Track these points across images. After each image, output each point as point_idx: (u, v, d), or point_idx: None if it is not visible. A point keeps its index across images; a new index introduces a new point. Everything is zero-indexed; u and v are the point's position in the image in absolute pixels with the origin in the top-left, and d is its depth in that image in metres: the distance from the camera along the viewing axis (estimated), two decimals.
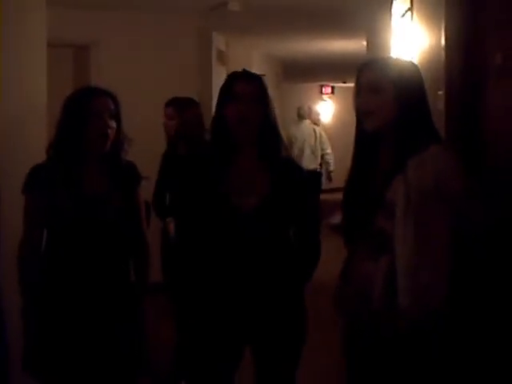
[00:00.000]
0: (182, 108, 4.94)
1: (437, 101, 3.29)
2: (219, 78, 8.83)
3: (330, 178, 11.61)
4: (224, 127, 2.80)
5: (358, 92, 2.59)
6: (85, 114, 2.90)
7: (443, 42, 3.32)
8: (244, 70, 2.91)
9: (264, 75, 9.63)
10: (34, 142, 3.36)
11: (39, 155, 3.07)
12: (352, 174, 2.70)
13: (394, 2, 4.60)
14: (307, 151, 11.35)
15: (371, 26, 7.76)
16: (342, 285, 2.66)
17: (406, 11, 4.40)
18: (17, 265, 2.93)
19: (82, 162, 2.96)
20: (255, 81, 2.84)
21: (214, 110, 8.43)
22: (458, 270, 2.41)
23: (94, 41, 7.33)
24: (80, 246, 2.92)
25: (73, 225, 2.91)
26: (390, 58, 2.84)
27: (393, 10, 4.60)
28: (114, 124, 2.96)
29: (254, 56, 11.14)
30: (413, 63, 2.76)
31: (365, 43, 9.14)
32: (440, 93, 3.34)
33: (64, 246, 2.94)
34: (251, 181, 2.81)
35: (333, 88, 18.56)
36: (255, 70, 9.99)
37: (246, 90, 2.78)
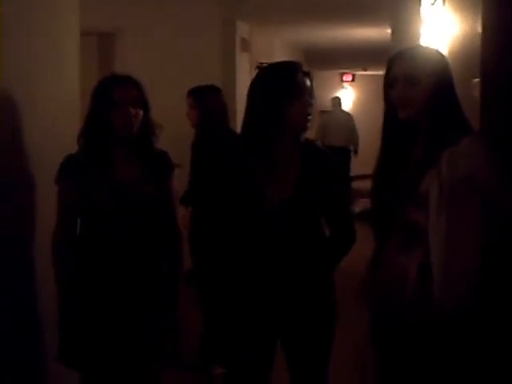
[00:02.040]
0: (201, 97, 4.90)
1: (471, 88, 3.26)
2: (242, 65, 8.83)
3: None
4: (278, 121, 2.78)
5: (393, 83, 2.57)
6: (108, 102, 2.92)
7: (479, 28, 3.28)
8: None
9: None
10: (69, 133, 3.36)
11: (74, 145, 3.08)
12: (381, 164, 2.68)
13: None
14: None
15: (397, 13, 7.72)
16: (372, 276, 2.66)
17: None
18: (51, 255, 2.94)
19: (112, 150, 2.97)
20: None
21: (238, 96, 8.39)
22: (489, 260, 2.39)
23: (119, 28, 7.31)
24: (113, 233, 2.93)
25: (107, 211, 2.92)
26: (422, 47, 2.82)
27: None
28: (138, 111, 2.96)
29: (276, 44, 11.14)
30: (441, 53, 2.73)
31: (389, 31, 9.09)
32: (476, 80, 3.30)
33: (98, 233, 2.95)
34: (283, 171, 2.80)
35: (353, 75, 18.51)
36: (277, 58, 10.07)
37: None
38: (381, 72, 12.26)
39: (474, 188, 2.34)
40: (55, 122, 3.40)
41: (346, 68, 17.75)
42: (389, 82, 2.58)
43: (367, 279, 2.68)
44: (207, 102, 4.89)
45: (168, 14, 7.57)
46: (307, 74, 2.85)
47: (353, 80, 18.70)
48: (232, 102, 7.26)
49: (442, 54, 2.65)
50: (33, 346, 3.17)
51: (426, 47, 2.87)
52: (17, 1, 3.08)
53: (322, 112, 13.68)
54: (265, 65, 10.09)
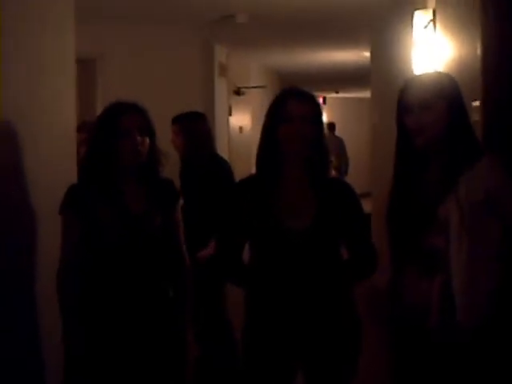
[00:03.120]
0: (186, 123, 4.88)
1: (471, 112, 3.27)
2: (220, 90, 8.84)
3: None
4: (273, 147, 2.75)
5: (407, 110, 2.57)
6: (114, 132, 2.87)
7: (477, 52, 3.30)
8: (293, 87, 2.84)
9: (265, 86, 9.67)
10: (66, 162, 3.31)
11: (70, 175, 3.03)
12: (395, 191, 2.68)
13: (414, 13, 4.58)
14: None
15: (378, 36, 7.76)
16: (393, 303, 2.64)
17: (429, 22, 4.38)
18: (57, 288, 2.87)
19: (118, 180, 2.92)
20: (307, 99, 2.78)
21: (216, 121, 8.41)
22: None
23: (99, 54, 7.30)
24: (119, 265, 2.88)
25: (116, 241, 2.86)
26: (431, 72, 2.84)
27: (414, 21, 4.58)
28: (145, 139, 2.91)
29: (253, 67, 11.16)
30: (450, 75, 2.74)
31: (366, 54, 9.14)
32: (476, 103, 3.31)
33: (105, 264, 2.89)
34: (301, 202, 2.77)
35: (324, 98, 18.60)
36: (253, 82, 10.06)
37: (299, 110, 2.72)
38: (353, 94, 12.40)
39: (494, 210, 2.35)
40: (53, 153, 3.34)
41: (319, 90, 17.86)
42: (403, 110, 2.58)
43: (389, 305, 2.66)
44: (192, 128, 4.87)
45: (148, 41, 7.57)
46: (304, 100, 2.77)
47: (324, 103, 18.80)
48: (211, 127, 7.26)
49: (451, 77, 2.66)
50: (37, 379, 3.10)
51: (435, 72, 2.88)
52: (15, 31, 3.05)
53: None
54: (242, 89, 10.07)
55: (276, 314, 2.77)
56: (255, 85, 10.95)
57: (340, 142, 14.48)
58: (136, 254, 2.89)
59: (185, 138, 4.81)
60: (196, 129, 4.90)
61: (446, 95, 2.52)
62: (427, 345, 2.47)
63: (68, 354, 2.89)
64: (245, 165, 9.92)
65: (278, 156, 2.76)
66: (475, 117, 3.30)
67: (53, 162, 3.32)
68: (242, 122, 10.68)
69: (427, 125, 2.50)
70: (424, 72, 3.02)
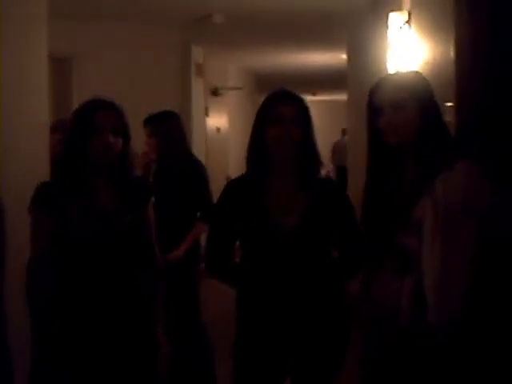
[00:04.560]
0: (158, 124, 4.79)
1: (445, 113, 3.28)
2: (197, 90, 8.83)
3: None
4: (262, 149, 2.77)
5: (378, 110, 2.57)
6: (87, 129, 2.83)
7: (450, 52, 3.31)
8: (283, 90, 2.83)
9: (241, 88, 9.69)
10: (37, 159, 3.28)
11: (42, 172, 3.00)
12: (369, 191, 2.68)
13: (390, 15, 4.60)
14: None
15: (355, 39, 7.79)
16: (366, 304, 2.64)
17: (404, 24, 4.40)
18: (26, 284, 2.84)
19: (90, 177, 2.90)
20: (296, 102, 2.78)
21: (193, 122, 8.42)
22: (484, 282, 2.40)
23: (75, 53, 7.27)
24: (90, 261, 2.85)
25: (85, 240, 2.84)
26: (402, 72, 2.85)
27: (389, 22, 4.60)
28: (118, 139, 2.88)
29: (230, 68, 11.16)
30: (423, 75, 2.75)
31: (343, 56, 9.17)
32: (448, 104, 3.32)
33: (75, 261, 2.86)
34: (291, 201, 2.78)
35: None
36: (230, 83, 10.07)
37: (288, 112, 2.73)
38: (330, 97, 12.43)
39: (469, 213, 2.35)
40: (23, 152, 3.31)
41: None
42: (374, 111, 2.58)
43: (360, 304, 2.67)
44: (164, 128, 4.80)
45: (124, 40, 7.56)
46: (293, 103, 2.77)
47: None
48: (188, 127, 7.25)
49: (423, 77, 2.67)
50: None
51: (406, 72, 2.89)
52: None
53: None
54: (219, 90, 10.05)
55: (265, 312, 2.77)
56: (232, 86, 10.95)
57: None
58: (106, 250, 2.86)
59: (158, 139, 4.76)
60: (168, 128, 4.83)
61: (418, 94, 2.52)
62: (398, 344, 2.48)
63: (38, 349, 2.85)
64: (222, 165, 9.92)
65: (267, 157, 2.78)
66: (448, 118, 3.31)
67: (24, 158, 3.29)
68: (218, 122, 10.67)
69: (399, 125, 2.50)
70: (395, 72, 3.03)
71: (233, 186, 2.92)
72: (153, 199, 3.18)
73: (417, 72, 2.88)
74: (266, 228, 2.75)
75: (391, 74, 2.85)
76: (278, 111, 2.73)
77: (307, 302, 2.76)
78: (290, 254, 2.74)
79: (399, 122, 2.50)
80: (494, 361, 2.44)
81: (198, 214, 4.70)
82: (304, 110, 2.78)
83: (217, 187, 3.83)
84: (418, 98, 2.52)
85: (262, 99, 2.88)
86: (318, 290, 2.78)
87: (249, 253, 2.84)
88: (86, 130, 2.83)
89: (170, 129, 4.80)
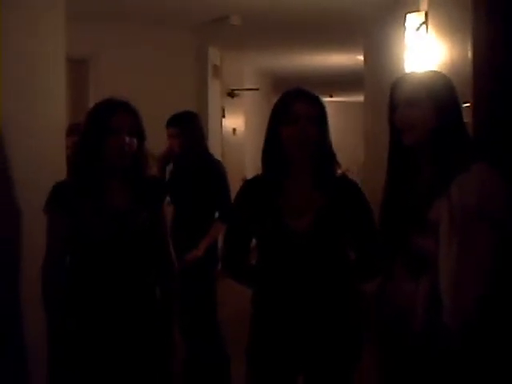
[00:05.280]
0: (184, 125, 4.83)
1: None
2: (214, 92, 8.83)
3: None
4: (278, 148, 2.75)
5: (395, 107, 2.57)
6: (103, 130, 2.84)
7: (467, 54, 3.30)
8: (298, 88, 2.80)
9: (257, 89, 9.67)
10: (55, 160, 3.29)
11: (59, 175, 3.01)
12: (388, 190, 2.67)
13: (407, 16, 4.58)
14: None
15: (371, 40, 7.76)
16: (381, 306, 2.63)
17: (421, 25, 4.39)
18: (42, 284, 2.85)
19: (105, 178, 2.90)
20: (312, 100, 2.75)
21: (209, 123, 8.39)
22: (501, 286, 2.38)
23: (92, 54, 7.30)
24: (105, 261, 2.87)
25: (100, 239, 2.85)
26: (422, 71, 2.82)
27: (406, 24, 4.59)
28: (133, 140, 2.89)
29: (246, 70, 11.16)
30: (444, 75, 2.74)
31: (360, 57, 9.14)
32: (466, 105, 3.31)
33: (90, 261, 2.87)
34: (306, 201, 2.76)
35: None
36: (246, 85, 10.07)
37: (304, 111, 2.70)
38: (347, 98, 12.34)
39: (485, 216, 2.33)
40: (42, 153, 3.33)
41: None
42: (391, 107, 2.58)
43: (376, 306, 2.65)
44: (190, 129, 4.85)
45: (141, 41, 7.58)
46: (309, 101, 2.74)
47: None
48: (205, 128, 7.24)
49: (443, 76, 2.64)
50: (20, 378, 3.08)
51: (426, 71, 2.87)
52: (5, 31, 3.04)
53: None
54: (235, 91, 10.05)
55: (280, 313, 2.76)
56: (248, 87, 10.94)
57: None
58: (121, 249, 2.87)
59: (183, 139, 4.79)
60: (194, 129, 4.88)
61: (434, 93, 2.50)
62: (413, 347, 2.46)
63: (53, 349, 2.87)
64: (238, 166, 9.92)
65: (283, 156, 2.75)
66: (466, 118, 3.29)
67: (41, 161, 3.31)
68: (235, 124, 10.67)
69: (413, 122, 2.49)
70: (414, 71, 3.01)
71: (248, 186, 2.91)
72: (168, 199, 3.18)
73: (437, 71, 2.86)
74: (280, 230, 2.73)
75: (410, 73, 2.83)
76: (294, 109, 2.70)
77: (321, 303, 2.74)
78: (304, 257, 2.71)
79: (412, 119, 2.49)
80: (510, 364, 2.43)
81: (217, 213, 4.71)
82: (320, 108, 2.75)
83: (233, 188, 3.83)
84: (435, 96, 2.50)
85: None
86: (331, 291, 2.75)
87: (264, 254, 2.82)
88: (101, 132, 2.84)
89: (195, 129, 4.85)
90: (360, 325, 2.85)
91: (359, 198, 2.85)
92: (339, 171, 2.86)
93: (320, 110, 2.75)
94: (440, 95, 2.51)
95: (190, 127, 4.84)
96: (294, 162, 2.77)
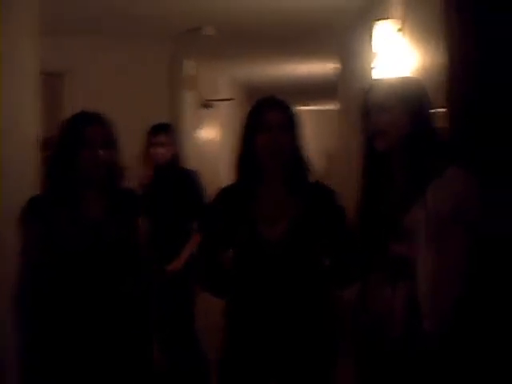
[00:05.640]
0: (172, 134, 4.87)
1: (436, 119, 3.28)
2: (188, 103, 8.83)
3: None
4: (251, 156, 2.75)
5: (367, 113, 2.58)
6: (77, 142, 2.84)
7: (442, 59, 3.32)
8: (271, 96, 2.82)
9: (232, 99, 9.66)
10: (28, 174, 3.26)
11: (32, 186, 2.99)
12: (363, 197, 2.68)
13: (377, 23, 4.61)
14: None
15: (345, 48, 7.79)
16: (357, 314, 2.63)
17: (395, 32, 4.41)
18: (14, 299, 2.82)
19: (80, 188, 2.89)
20: (284, 108, 2.77)
21: (184, 134, 8.35)
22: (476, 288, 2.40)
23: (66, 68, 7.27)
24: (80, 272, 2.84)
25: (73, 250, 2.83)
26: (396, 77, 2.84)
27: (378, 31, 4.61)
28: (107, 151, 2.89)
29: (221, 80, 11.16)
30: (417, 80, 2.75)
31: (333, 66, 9.18)
32: (440, 110, 3.33)
33: (64, 272, 2.84)
34: (280, 208, 2.76)
35: None
36: (222, 95, 10.03)
37: (277, 119, 2.71)
38: (322, 107, 12.35)
39: (461, 219, 2.35)
40: (15, 166, 3.30)
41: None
42: (364, 113, 2.59)
43: (353, 315, 2.65)
44: (176, 138, 4.89)
45: (116, 53, 7.57)
46: (280, 109, 2.76)
47: None
48: (180, 139, 7.24)
49: (416, 81, 2.67)
50: None
51: (400, 76, 2.89)
52: None
53: None
54: (210, 102, 10.00)
55: (253, 323, 2.75)
56: (223, 98, 10.94)
57: None
58: (96, 260, 2.85)
59: (172, 149, 4.80)
60: (176, 139, 4.93)
61: (406, 99, 2.50)
62: (392, 353, 2.47)
63: (28, 358, 2.83)
64: (214, 177, 9.89)
65: (257, 165, 2.76)
66: (441, 124, 3.31)
67: (15, 174, 3.28)
68: (210, 134, 10.67)
69: (385, 127, 2.50)
70: (388, 77, 3.03)
71: (222, 195, 2.90)
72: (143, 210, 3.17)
73: (409, 77, 2.88)
74: (254, 239, 2.73)
75: (383, 79, 2.84)
76: (266, 118, 2.71)
77: (295, 311, 2.72)
78: (278, 265, 2.71)
79: (385, 124, 2.50)
80: (487, 367, 2.44)
81: (195, 224, 4.72)
82: (292, 116, 2.76)
83: (209, 199, 3.82)
84: (407, 101, 2.50)
85: None
86: (305, 299, 2.74)
87: (238, 263, 2.81)
88: (75, 143, 2.84)
89: (177, 139, 4.88)
90: (335, 332, 2.84)
91: (334, 204, 2.84)
92: (314, 178, 2.86)
93: (292, 119, 2.76)
94: (412, 100, 2.52)
95: (175, 136, 4.87)
96: (267, 170, 2.77)
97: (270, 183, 2.79)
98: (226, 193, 2.89)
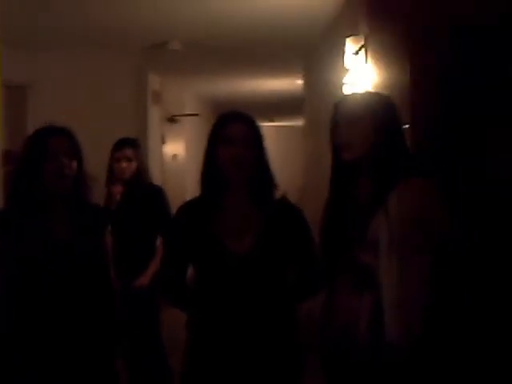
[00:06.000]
0: (138, 148, 4.85)
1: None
2: (154, 118, 8.80)
3: None
4: (215, 170, 2.74)
5: (336, 125, 2.61)
6: (40, 155, 2.84)
7: (408, 78, 3.35)
8: (234, 110, 2.82)
9: (198, 114, 9.66)
10: None
11: None
12: (329, 208, 2.70)
13: (346, 40, 4.64)
14: None
15: (310, 64, 7.84)
16: (324, 323, 2.64)
17: (360, 49, 4.45)
18: None
19: (45, 203, 2.86)
20: (248, 122, 2.77)
21: (150, 149, 8.32)
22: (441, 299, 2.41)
23: (30, 80, 7.22)
24: (46, 290, 2.81)
25: (40, 269, 2.80)
26: (364, 92, 2.88)
27: (345, 47, 4.65)
28: (72, 163, 2.88)
29: (186, 95, 11.15)
30: (385, 95, 2.78)
31: (299, 82, 9.22)
32: (405, 127, 3.35)
33: (29, 290, 2.81)
34: (244, 223, 2.75)
35: None
36: (187, 109, 10.01)
37: (240, 132, 2.71)
38: (288, 123, 12.40)
39: (423, 229, 2.37)
40: None
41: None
42: (333, 126, 2.63)
43: (320, 323, 2.65)
44: (141, 153, 4.88)
45: (80, 67, 7.55)
46: (244, 123, 2.76)
47: None
48: (145, 154, 7.21)
49: (383, 96, 2.70)
50: None
51: (368, 92, 2.93)
52: None
53: None
54: (176, 117, 9.98)
55: (216, 338, 2.72)
56: (189, 113, 10.93)
57: None
58: (60, 280, 2.83)
59: (138, 164, 4.78)
60: (142, 154, 4.92)
61: (373, 111, 2.54)
62: (357, 364, 2.47)
63: None
64: (179, 192, 9.87)
65: (221, 179, 2.75)
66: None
67: None
68: (175, 149, 10.65)
69: (352, 140, 2.53)
70: (357, 92, 3.06)
71: (184, 209, 2.88)
72: (109, 227, 3.15)
73: (378, 92, 2.92)
74: (216, 253, 2.71)
75: (352, 93, 2.88)
76: (230, 131, 2.71)
77: (259, 326, 2.70)
78: (243, 279, 2.69)
79: (352, 136, 2.54)
80: (454, 377, 2.45)
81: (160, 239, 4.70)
82: (255, 130, 2.76)
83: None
84: (373, 114, 2.54)
85: None
86: (269, 314, 2.72)
87: (202, 277, 2.78)
88: (39, 156, 2.83)
89: (143, 154, 4.87)
90: (300, 347, 2.84)
91: (298, 220, 2.85)
92: (278, 194, 2.86)
93: (256, 132, 2.76)
94: (378, 113, 2.56)
95: (141, 151, 4.85)
96: (231, 184, 2.76)
97: (235, 197, 2.78)
98: (188, 206, 2.87)
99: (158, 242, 4.75)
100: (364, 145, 2.53)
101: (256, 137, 2.75)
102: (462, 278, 2.53)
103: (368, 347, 2.42)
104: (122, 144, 4.82)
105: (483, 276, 2.73)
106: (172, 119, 10.26)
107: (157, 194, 4.81)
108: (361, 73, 4.40)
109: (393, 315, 2.36)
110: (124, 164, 4.76)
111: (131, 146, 4.83)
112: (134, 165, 4.76)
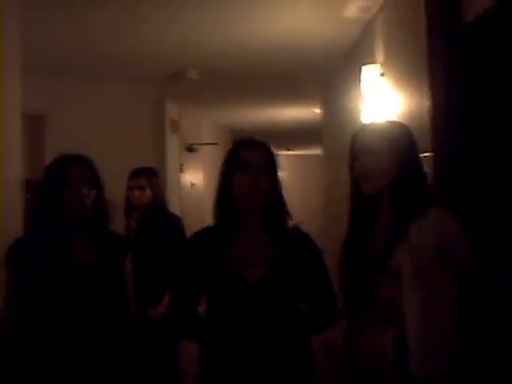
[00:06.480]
0: (153, 177, 4.86)
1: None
2: (172, 146, 8.82)
3: None
4: (230, 196, 2.73)
5: (355, 157, 2.58)
6: (60, 184, 2.84)
7: (426, 104, 3.33)
8: (249, 137, 2.82)
9: (216, 143, 9.68)
10: (10, 217, 3.21)
11: (14, 229, 2.94)
12: (349, 238, 2.67)
13: (362, 68, 4.64)
14: None
15: (327, 93, 7.84)
16: (348, 354, 2.59)
17: (378, 76, 4.44)
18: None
19: (66, 233, 2.86)
20: (263, 149, 2.76)
21: (168, 178, 8.33)
22: (465, 334, 2.37)
23: (49, 110, 7.26)
24: (66, 321, 2.79)
25: (60, 299, 2.78)
26: (384, 121, 2.85)
27: (362, 76, 4.64)
28: (91, 191, 2.88)
29: (204, 124, 11.19)
30: (404, 125, 2.76)
31: (317, 110, 9.23)
32: (425, 155, 3.33)
33: (48, 320, 2.79)
34: (257, 252, 2.73)
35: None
36: (204, 139, 10.05)
37: (255, 159, 2.70)
38: (305, 151, 12.42)
39: (445, 259, 2.34)
40: None
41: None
42: (352, 156, 2.60)
43: (343, 357, 2.61)
44: (157, 182, 4.87)
45: (99, 96, 7.58)
46: (258, 150, 2.74)
47: None
48: (163, 183, 7.22)
49: (402, 126, 2.67)
50: None
51: (388, 121, 2.90)
52: None
53: None
54: (194, 146, 10.01)
55: (228, 369, 2.68)
56: (207, 141, 10.96)
57: None
58: (80, 310, 2.81)
59: (152, 193, 4.78)
60: (159, 183, 4.91)
61: (394, 143, 2.52)
62: None
63: None
64: (197, 221, 9.85)
65: (234, 206, 2.73)
66: (426, 168, 3.31)
67: None
68: (193, 178, 10.66)
69: (372, 171, 2.51)
70: (376, 121, 3.04)
71: (196, 238, 2.86)
72: (129, 256, 3.14)
73: (396, 121, 2.89)
74: (229, 282, 2.69)
75: (371, 123, 2.86)
76: (244, 157, 2.70)
77: (272, 356, 2.66)
78: (255, 307, 2.66)
79: (372, 168, 2.51)
80: None
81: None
82: (270, 157, 2.75)
83: None
84: (395, 146, 2.51)
85: None
86: (282, 344, 2.68)
87: (214, 307, 2.75)
88: (59, 185, 2.83)
89: (160, 183, 4.87)
90: (313, 376, 2.80)
91: (311, 250, 2.83)
92: (291, 223, 2.84)
93: (271, 159, 2.75)
94: (399, 145, 2.53)
95: (157, 180, 4.85)
96: (244, 211, 2.74)
97: (248, 225, 2.76)
98: (201, 234, 2.85)
99: None
100: (384, 176, 2.51)
101: (271, 163, 2.74)
102: (487, 311, 2.49)
103: (392, 378, 2.38)
104: (136, 173, 4.84)
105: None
106: (190, 148, 10.28)
107: (172, 223, 4.80)
108: (379, 101, 4.39)
109: (416, 350, 2.33)
110: (137, 193, 4.77)
111: (145, 174, 4.83)
112: (148, 193, 4.76)
